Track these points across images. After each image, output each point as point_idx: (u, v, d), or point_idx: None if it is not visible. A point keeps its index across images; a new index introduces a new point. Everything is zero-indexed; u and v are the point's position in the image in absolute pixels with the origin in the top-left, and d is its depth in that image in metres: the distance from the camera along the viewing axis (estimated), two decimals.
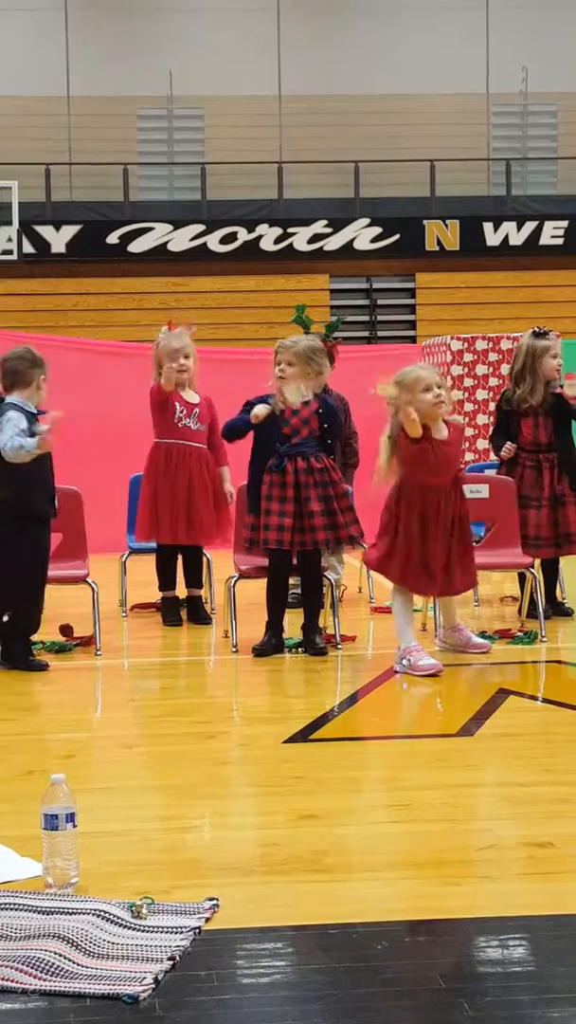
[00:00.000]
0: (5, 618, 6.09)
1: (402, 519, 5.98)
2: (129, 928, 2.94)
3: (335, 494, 6.31)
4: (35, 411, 6.11)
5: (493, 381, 11.34)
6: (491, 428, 7.36)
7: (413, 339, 17.58)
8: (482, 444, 11.39)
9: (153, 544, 7.29)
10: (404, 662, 5.87)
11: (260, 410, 6.26)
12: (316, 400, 6.40)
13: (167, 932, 2.91)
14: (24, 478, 5.99)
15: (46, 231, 18.01)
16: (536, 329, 7.09)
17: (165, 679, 6.17)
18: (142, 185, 19.76)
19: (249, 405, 6.39)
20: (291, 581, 6.88)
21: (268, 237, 18.34)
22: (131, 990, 2.63)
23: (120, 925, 2.95)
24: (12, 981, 2.68)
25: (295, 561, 6.43)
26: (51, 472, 6.20)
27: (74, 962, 2.77)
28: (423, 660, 5.82)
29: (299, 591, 6.77)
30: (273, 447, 6.27)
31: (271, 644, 6.34)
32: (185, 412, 7.15)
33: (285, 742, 4.68)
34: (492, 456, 7.69)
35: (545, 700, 5.52)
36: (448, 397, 6.01)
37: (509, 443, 6.99)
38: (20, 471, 5.96)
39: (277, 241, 18.35)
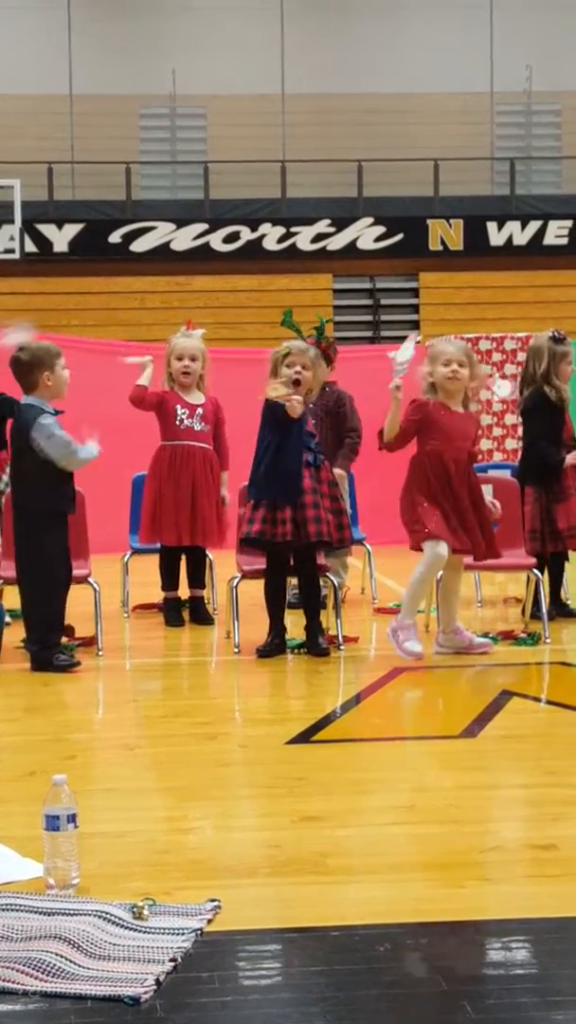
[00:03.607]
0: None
1: (422, 492, 6.10)
2: (130, 929, 2.93)
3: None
4: (52, 411, 6.14)
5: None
6: (528, 433, 7.16)
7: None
8: (487, 444, 11.39)
9: (155, 544, 7.29)
10: (393, 635, 5.93)
11: (298, 402, 6.17)
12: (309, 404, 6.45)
13: (169, 933, 2.90)
14: (55, 477, 6.07)
15: (48, 230, 18.01)
16: (555, 334, 7.05)
17: (167, 680, 6.16)
18: (145, 184, 19.77)
19: (270, 409, 6.30)
20: (292, 581, 6.88)
21: (271, 236, 18.33)
22: (133, 991, 2.62)
23: (121, 926, 2.94)
24: (13, 982, 2.67)
25: (292, 561, 6.43)
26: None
27: (75, 963, 2.76)
28: (408, 643, 5.87)
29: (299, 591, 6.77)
30: (304, 445, 6.24)
31: (274, 645, 6.33)
32: (187, 413, 7.15)
33: (287, 743, 4.67)
34: (493, 460, 7.66)
35: (549, 702, 5.51)
36: (470, 376, 6.13)
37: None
38: (51, 471, 6.04)
39: (280, 240, 18.34)
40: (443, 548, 6.04)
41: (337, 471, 6.95)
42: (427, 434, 6.13)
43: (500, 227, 18.51)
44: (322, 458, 6.34)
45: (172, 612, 7.30)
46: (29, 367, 6.10)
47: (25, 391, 6.17)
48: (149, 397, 7.13)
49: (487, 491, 6.84)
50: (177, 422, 7.13)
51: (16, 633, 6.46)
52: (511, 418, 11.08)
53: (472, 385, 6.23)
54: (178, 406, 7.14)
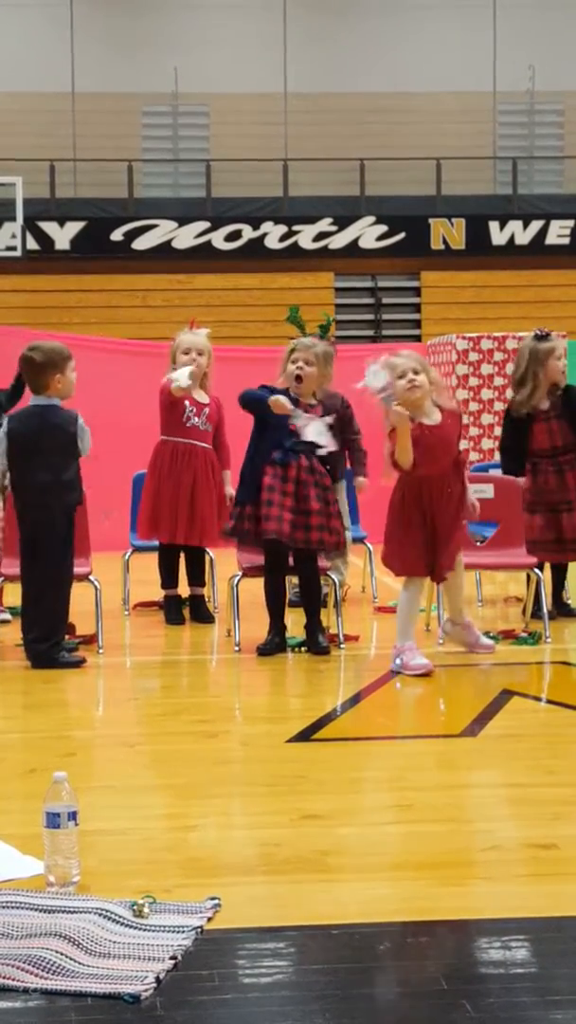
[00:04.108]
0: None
1: (405, 513, 6.00)
2: (131, 927, 2.93)
3: (329, 500, 6.34)
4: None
5: (498, 380, 11.34)
6: (501, 438, 7.28)
7: (418, 338, 17.57)
8: (487, 444, 11.39)
9: (156, 542, 7.29)
10: (397, 661, 5.89)
11: (284, 402, 6.20)
12: (320, 406, 6.43)
13: (169, 931, 2.90)
14: (71, 472, 6.14)
15: (50, 228, 18.00)
16: (538, 331, 7.05)
17: (167, 678, 6.16)
18: (146, 182, 19.75)
19: (267, 389, 6.33)
20: (293, 580, 6.88)
21: (273, 235, 18.32)
22: (132, 989, 2.62)
23: (122, 924, 2.94)
24: (13, 979, 2.67)
25: (291, 560, 6.42)
26: None
27: (75, 961, 2.76)
28: (415, 660, 5.83)
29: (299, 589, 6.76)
30: (278, 442, 6.26)
31: (275, 643, 6.33)
32: (195, 411, 7.15)
33: (287, 742, 4.68)
34: (494, 459, 7.66)
35: (549, 701, 5.51)
36: (427, 381, 5.95)
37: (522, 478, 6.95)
38: (70, 466, 6.11)
39: (282, 239, 18.33)
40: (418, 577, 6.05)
41: (361, 480, 7.40)
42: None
43: (502, 227, 18.50)
44: (294, 456, 6.27)
45: (172, 610, 7.30)
46: (42, 368, 6.12)
47: (34, 391, 6.18)
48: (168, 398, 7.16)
49: (487, 490, 6.84)
50: (184, 419, 7.13)
51: (16, 631, 6.47)
52: None
53: (435, 399, 6.09)
54: (187, 402, 7.14)
